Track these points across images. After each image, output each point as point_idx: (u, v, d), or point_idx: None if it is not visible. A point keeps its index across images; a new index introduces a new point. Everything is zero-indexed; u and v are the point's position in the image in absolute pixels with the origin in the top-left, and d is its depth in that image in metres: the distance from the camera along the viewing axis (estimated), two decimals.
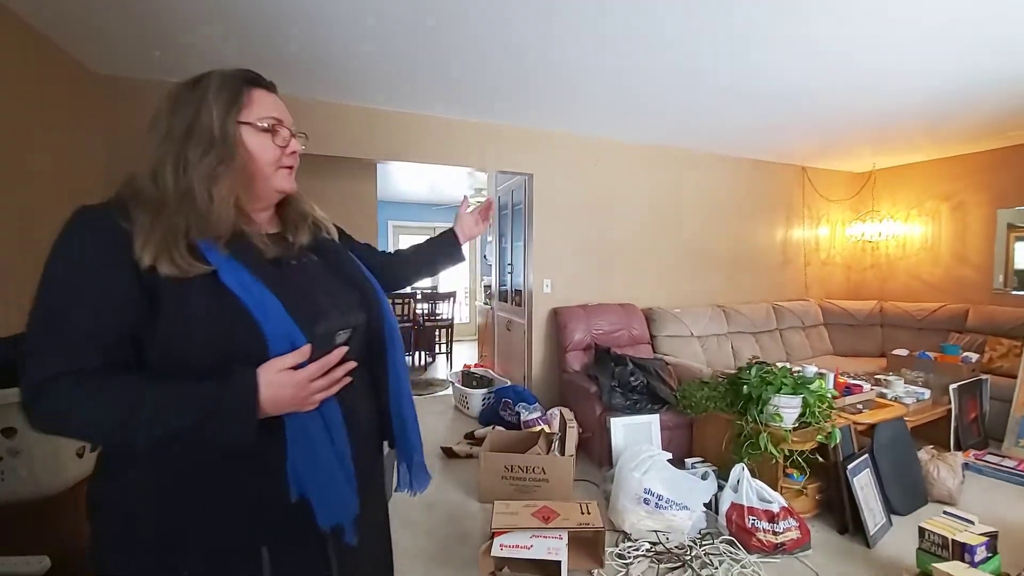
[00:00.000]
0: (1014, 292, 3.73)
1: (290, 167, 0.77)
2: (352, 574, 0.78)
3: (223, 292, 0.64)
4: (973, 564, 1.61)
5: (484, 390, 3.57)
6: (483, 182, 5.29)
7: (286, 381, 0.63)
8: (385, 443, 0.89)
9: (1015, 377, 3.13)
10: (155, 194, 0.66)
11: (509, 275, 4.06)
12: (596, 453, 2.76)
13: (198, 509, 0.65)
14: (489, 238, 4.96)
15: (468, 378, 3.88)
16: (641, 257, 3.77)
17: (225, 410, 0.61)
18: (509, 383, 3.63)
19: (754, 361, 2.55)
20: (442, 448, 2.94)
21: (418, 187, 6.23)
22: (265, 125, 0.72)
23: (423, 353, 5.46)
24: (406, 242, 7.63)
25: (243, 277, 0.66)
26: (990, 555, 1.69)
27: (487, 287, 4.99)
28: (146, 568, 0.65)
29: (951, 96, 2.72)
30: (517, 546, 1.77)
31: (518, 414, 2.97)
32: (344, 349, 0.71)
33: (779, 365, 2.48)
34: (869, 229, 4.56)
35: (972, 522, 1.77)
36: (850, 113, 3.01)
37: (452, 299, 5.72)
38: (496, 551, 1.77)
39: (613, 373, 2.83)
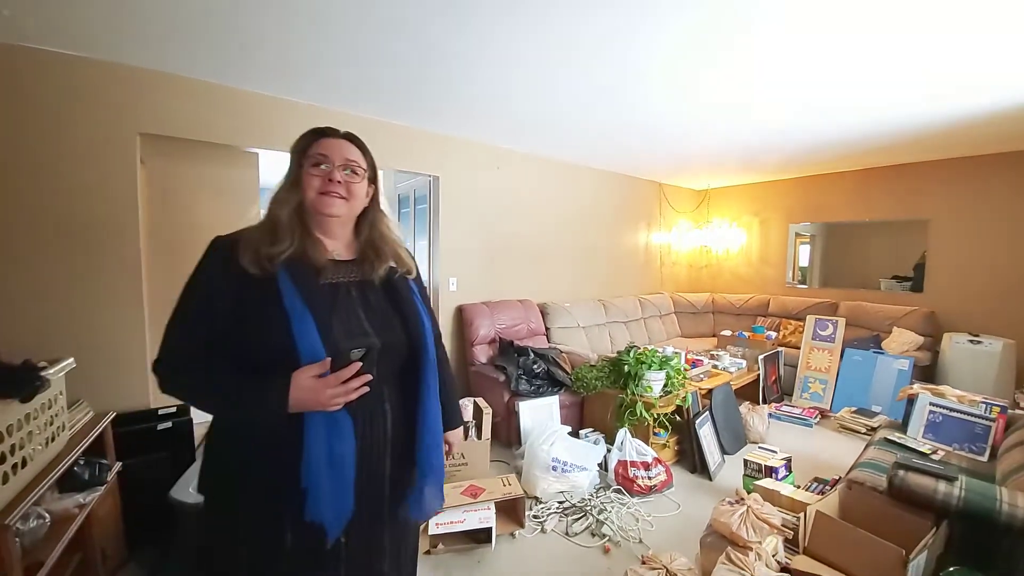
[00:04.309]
0: (799, 285, 5.04)
1: (330, 193, 0.92)
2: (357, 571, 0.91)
3: (278, 302, 0.85)
4: (778, 479, 2.29)
5: None
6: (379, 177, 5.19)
7: (308, 386, 0.82)
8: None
9: (799, 348, 4.29)
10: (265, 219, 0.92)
11: None
12: (504, 435, 3.06)
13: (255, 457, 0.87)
14: None
15: None
16: (537, 256, 4.18)
17: (267, 404, 0.83)
18: None
19: (630, 346, 3.10)
20: None
21: None
22: (314, 161, 0.92)
23: None
24: None
25: (292, 294, 0.85)
26: (788, 473, 2.41)
27: None
28: (230, 480, 0.88)
29: (761, 139, 3.61)
30: (451, 522, 1.97)
31: None
32: (357, 365, 0.86)
33: (648, 348, 3.06)
34: (704, 236, 5.68)
35: (775, 452, 2.48)
36: (693, 144, 3.76)
37: None
38: (432, 530, 1.94)
39: (519, 363, 3.16)
